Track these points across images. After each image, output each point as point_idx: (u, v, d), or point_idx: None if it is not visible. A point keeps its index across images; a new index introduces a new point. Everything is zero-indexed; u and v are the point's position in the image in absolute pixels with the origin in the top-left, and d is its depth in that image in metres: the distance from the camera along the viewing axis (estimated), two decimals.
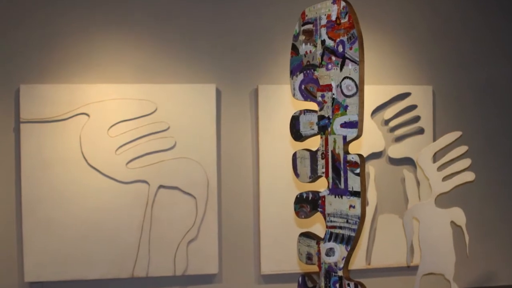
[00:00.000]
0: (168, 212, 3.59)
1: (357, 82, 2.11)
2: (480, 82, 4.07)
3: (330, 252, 2.26)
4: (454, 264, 3.44)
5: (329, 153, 2.24)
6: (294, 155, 2.41)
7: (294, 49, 2.39)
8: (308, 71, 2.32)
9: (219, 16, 3.75)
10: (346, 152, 2.19)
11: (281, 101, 3.72)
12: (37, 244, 3.47)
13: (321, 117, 2.28)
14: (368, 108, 3.80)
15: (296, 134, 2.40)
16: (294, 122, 2.40)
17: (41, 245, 3.48)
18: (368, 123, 3.79)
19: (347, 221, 2.19)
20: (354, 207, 2.16)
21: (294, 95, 2.39)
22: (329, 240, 2.27)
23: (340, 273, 2.23)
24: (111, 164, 3.53)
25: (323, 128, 2.27)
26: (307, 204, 2.36)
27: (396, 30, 3.96)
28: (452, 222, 3.48)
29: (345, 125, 2.17)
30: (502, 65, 4.10)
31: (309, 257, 2.38)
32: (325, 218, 2.29)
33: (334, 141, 2.22)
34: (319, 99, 2.28)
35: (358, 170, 2.14)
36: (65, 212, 3.50)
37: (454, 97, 4.03)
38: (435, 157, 3.64)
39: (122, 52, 3.64)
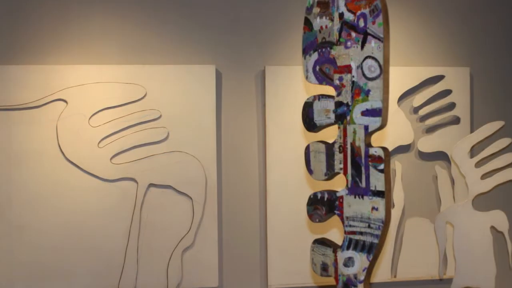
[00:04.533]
0: (159, 215, 3.61)
1: (381, 62, 2.11)
2: None
3: (349, 262, 2.27)
4: (494, 276, 3.46)
5: (348, 146, 2.25)
6: (307, 148, 2.42)
7: (307, 23, 2.38)
8: (323, 50, 2.32)
9: None
10: (368, 145, 2.19)
11: (292, 85, 3.73)
12: (7, 253, 3.50)
13: (338, 104, 2.28)
14: (395, 93, 3.80)
15: (310, 123, 2.41)
16: (307, 109, 2.40)
17: (12, 255, 3.50)
18: (394, 111, 3.79)
19: (368, 226, 2.20)
20: (377, 209, 2.16)
21: (307, 77, 2.40)
22: (347, 248, 2.28)
23: (360, 286, 2.24)
24: (93, 159, 3.55)
25: (341, 116, 2.27)
26: (322, 206, 2.37)
27: (428, 1, 3.95)
28: (493, 228, 3.49)
29: (367, 113, 2.17)
30: None
31: (324, 268, 2.39)
32: (343, 222, 2.30)
33: (354, 132, 2.22)
34: (337, 82, 2.28)
35: (382, 166, 2.14)
36: (39, 216, 3.52)
37: (495, 81, 4.02)
38: (473, 151, 3.64)
39: (106, 27, 3.64)
